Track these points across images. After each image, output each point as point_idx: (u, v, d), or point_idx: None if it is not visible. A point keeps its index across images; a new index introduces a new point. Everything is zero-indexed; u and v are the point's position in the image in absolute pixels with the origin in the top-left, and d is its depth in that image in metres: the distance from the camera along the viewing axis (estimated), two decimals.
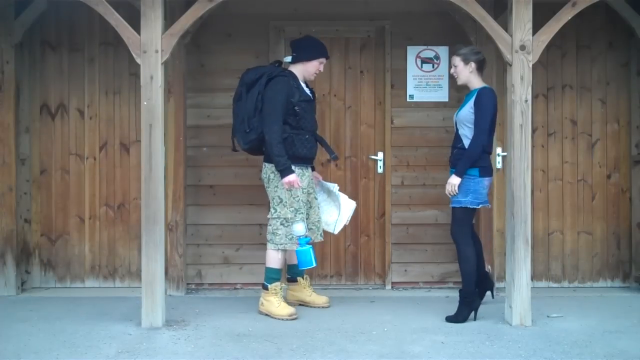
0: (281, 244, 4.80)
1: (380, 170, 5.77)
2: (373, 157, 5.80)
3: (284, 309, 4.79)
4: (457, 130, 4.80)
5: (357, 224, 5.81)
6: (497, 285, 5.58)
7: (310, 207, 4.96)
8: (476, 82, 4.76)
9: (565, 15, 4.60)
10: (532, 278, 5.34)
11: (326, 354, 4.06)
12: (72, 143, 5.79)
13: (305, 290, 5.15)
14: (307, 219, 4.86)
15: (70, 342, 4.28)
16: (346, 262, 5.84)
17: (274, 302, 4.81)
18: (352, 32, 5.80)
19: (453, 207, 4.72)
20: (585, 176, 5.85)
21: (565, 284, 5.84)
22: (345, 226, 5.18)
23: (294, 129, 4.79)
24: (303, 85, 4.91)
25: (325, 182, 5.26)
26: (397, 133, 5.77)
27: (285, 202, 4.78)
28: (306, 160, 4.92)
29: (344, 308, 5.10)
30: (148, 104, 4.53)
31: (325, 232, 5.05)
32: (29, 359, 3.98)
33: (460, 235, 4.73)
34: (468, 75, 4.76)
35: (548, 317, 4.83)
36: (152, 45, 4.50)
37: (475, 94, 4.68)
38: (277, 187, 4.80)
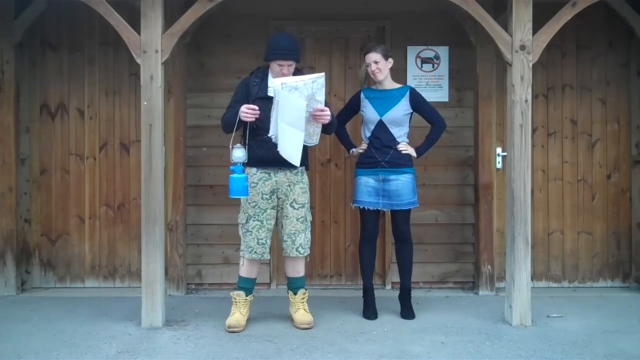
0: (241, 251, 4.58)
1: None
2: None
3: (229, 319, 4.51)
4: (383, 130, 4.69)
5: (357, 223, 5.80)
6: (497, 285, 5.60)
7: (286, 216, 4.52)
8: (390, 80, 4.80)
9: (565, 15, 4.61)
10: (532, 278, 5.35)
11: (326, 354, 4.06)
12: (72, 143, 5.79)
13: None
14: (282, 229, 4.55)
15: (70, 342, 4.28)
16: (346, 262, 5.84)
17: (231, 310, 4.58)
18: (352, 32, 5.79)
19: (406, 209, 4.73)
20: (585, 176, 5.85)
21: (565, 284, 5.84)
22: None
23: (251, 128, 4.40)
24: (272, 81, 4.38)
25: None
26: None
27: (242, 206, 4.53)
28: (268, 163, 4.44)
29: (344, 308, 5.10)
30: (148, 104, 4.54)
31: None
32: (29, 359, 3.98)
33: (410, 233, 4.82)
34: (388, 71, 4.76)
35: (548, 317, 4.83)
36: (152, 45, 4.51)
37: (408, 94, 4.74)
38: None
